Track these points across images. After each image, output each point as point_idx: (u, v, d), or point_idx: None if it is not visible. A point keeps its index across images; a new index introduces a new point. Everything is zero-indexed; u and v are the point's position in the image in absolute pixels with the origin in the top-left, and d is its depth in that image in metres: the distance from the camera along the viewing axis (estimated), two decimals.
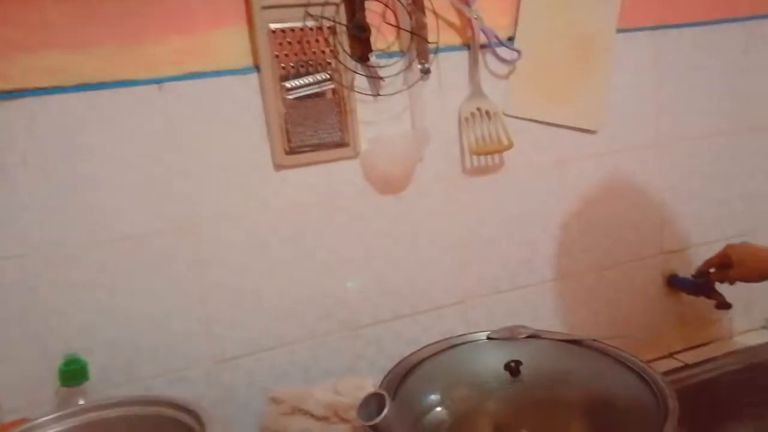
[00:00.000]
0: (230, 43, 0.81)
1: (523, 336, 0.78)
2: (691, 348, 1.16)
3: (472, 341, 0.79)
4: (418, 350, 0.76)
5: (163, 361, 0.82)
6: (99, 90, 0.76)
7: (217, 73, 0.81)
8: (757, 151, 1.14)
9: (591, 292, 1.07)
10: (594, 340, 0.76)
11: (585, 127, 1.01)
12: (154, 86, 0.78)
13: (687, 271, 1.12)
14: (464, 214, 0.96)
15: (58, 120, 0.75)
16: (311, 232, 0.88)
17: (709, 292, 1.05)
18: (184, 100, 0.80)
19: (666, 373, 1.05)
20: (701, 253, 1.12)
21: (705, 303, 1.07)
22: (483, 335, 0.80)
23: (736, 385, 1.06)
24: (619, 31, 1.00)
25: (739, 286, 1.03)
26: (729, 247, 0.99)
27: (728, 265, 0.98)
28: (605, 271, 1.07)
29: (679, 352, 1.15)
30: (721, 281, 1.01)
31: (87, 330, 0.79)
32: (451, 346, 0.78)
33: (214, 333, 0.85)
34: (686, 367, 1.10)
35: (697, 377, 1.07)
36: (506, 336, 0.78)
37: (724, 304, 1.03)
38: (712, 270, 1.03)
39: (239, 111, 0.83)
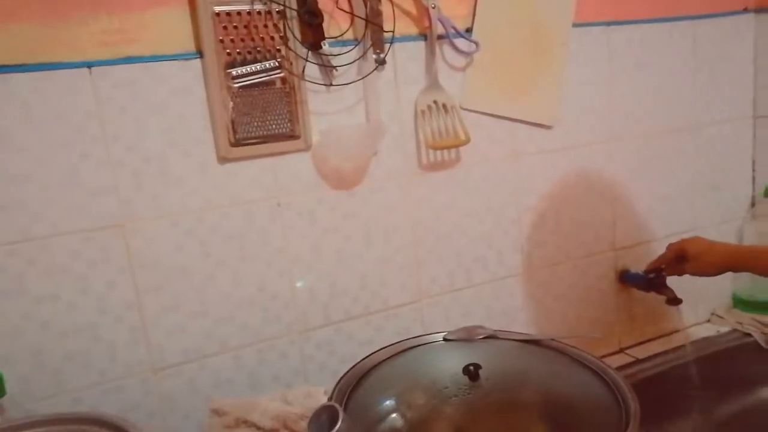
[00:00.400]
0: (169, 26, 0.75)
1: (481, 337, 0.75)
2: (641, 343, 1.17)
3: (427, 343, 0.76)
4: (371, 354, 0.73)
5: (94, 370, 0.76)
6: (18, 72, 0.69)
7: (155, 58, 0.75)
8: (702, 147, 1.16)
9: (544, 287, 1.06)
10: (552, 339, 0.75)
11: (540, 122, 1.00)
12: (83, 70, 0.71)
13: (638, 267, 1.12)
14: (419, 210, 0.93)
15: None
16: (256, 230, 0.83)
17: (660, 287, 1.05)
18: (116, 86, 0.73)
19: (618, 369, 1.07)
20: (651, 249, 1.14)
21: (655, 298, 1.08)
22: (439, 336, 0.77)
23: (685, 378, 1.07)
24: (575, 25, 0.99)
25: (686, 281, 1.04)
26: (684, 241, 0.99)
27: (684, 259, 0.99)
28: (557, 267, 1.06)
29: (630, 347, 1.16)
30: (678, 275, 1.02)
31: (6, 338, 0.71)
32: (405, 348, 0.75)
33: (151, 340, 0.79)
34: (637, 362, 1.11)
35: (647, 371, 1.09)
36: (463, 337, 0.76)
37: (675, 300, 1.04)
38: (664, 266, 1.04)
39: (179, 99, 0.76)
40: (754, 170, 1.22)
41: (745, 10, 1.15)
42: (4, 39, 0.68)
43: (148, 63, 0.74)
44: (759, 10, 1.15)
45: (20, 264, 0.71)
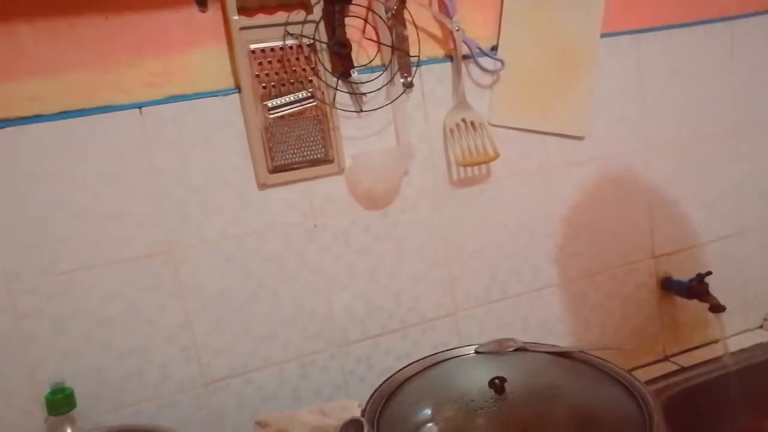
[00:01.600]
0: (209, 65, 0.81)
1: (511, 349, 0.77)
2: (687, 351, 1.15)
3: (458, 356, 0.78)
4: (403, 368, 0.76)
5: (150, 386, 0.82)
6: (78, 117, 0.76)
7: (198, 95, 0.81)
8: (745, 149, 1.14)
9: (581, 298, 1.06)
10: (581, 351, 0.76)
11: (571, 133, 1.01)
12: (134, 111, 0.78)
13: (680, 274, 1.11)
14: (451, 227, 0.96)
15: (36, 149, 0.75)
16: (294, 252, 0.87)
17: (703, 294, 1.04)
18: (164, 123, 0.80)
19: (662, 377, 1.06)
20: (693, 255, 1.12)
21: (700, 305, 1.07)
22: (471, 349, 0.80)
23: (732, 387, 1.05)
24: (602, 35, 1.00)
25: (734, 286, 1.01)
26: None
27: None
28: (595, 276, 1.06)
29: (674, 355, 1.14)
30: None
31: (73, 358, 0.79)
32: (437, 362, 0.78)
33: (201, 358, 0.84)
34: (682, 370, 1.09)
35: (693, 380, 1.07)
36: (494, 350, 0.78)
37: (718, 307, 1.02)
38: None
39: (221, 132, 0.82)
40: None
41: None
42: (61, 87, 0.75)
43: (191, 100, 0.80)
44: None
45: (81, 290, 0.78)
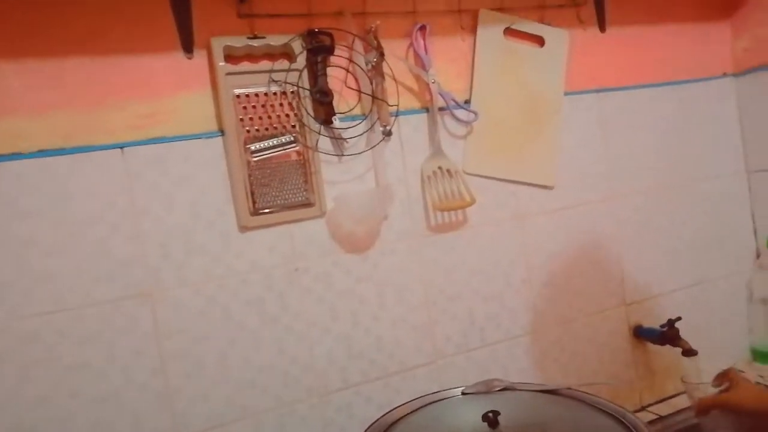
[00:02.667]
0: (194, 108, 0.82)
1: (498, 388, 0.76)
2: (663, 399, 1.16)
3: (447, 398, 0.77)
4: (391, 410, 0.74)
5: None
6: (57, 156, 0.75)
7: (181, 137, 0.81)
8: (699, 202, 1.20)
9: (558, 345, 1.07)
10: (569, 388, 0.76)
11: (540, 182, 1.05)
12: (115, 151, 0.78)
13: (649, 322, 1.13)
14: (430, 271, 0.97)
15: (14, 186, 0.73)
16: (275, 295, 0.86)
17: (675, 339, 1.06)
18: (146, 164, 0.80)
19: None
20: (660, 303, 1.15)
21: (673, 353, 1.08)
22: (457, 391, 0.78)
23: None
24: (566, 93, 1.07)
25: (702, 334, 1.04)
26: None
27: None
28: (571, 324, 1.08)
29: (651, 404, 1.15)
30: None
31: (37, 406, 0.73)
32: (425, 404, 0.76)
33: (175, 406, 0.80)
34: (660, 419, 1.10)
35: (672, 428, 1.07)
36: (481, 390, 0.77)
37: (690, 351, 1.04)
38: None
39: (204, 173, 0.83)
40: (754, 222, 1.25)
41: (725, 75, 1.23)
42: (44, 126, 0.75)
43: (174, 142, 0.81)
44: (737, 75, 1.23)
45: (53, 333, 0.74)
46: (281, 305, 0.87)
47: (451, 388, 0.80)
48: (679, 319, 1.08)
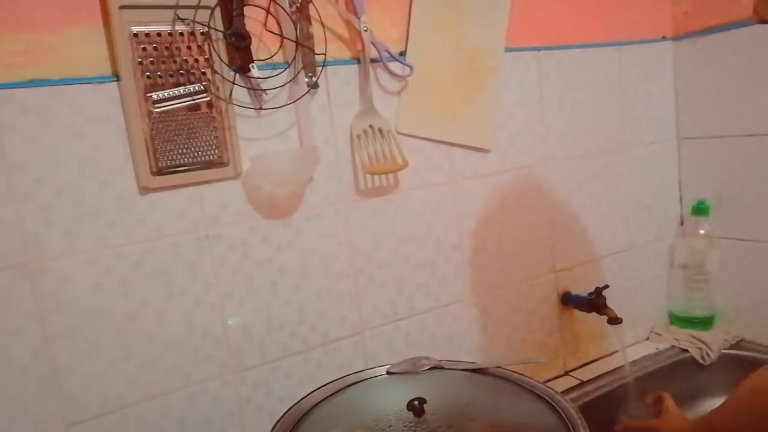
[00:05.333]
0: (82, 47, 0.70)
1: (426, 368, 0.72)
2: (585, 364, 1.17)
3: (370, 378, 0.72)
4: (310, 393, 0.68)
5: None
6: None
7: (65, 81, 0.69)
8: (632, 168, 1.19)
9: (488, 313, 1.04)
10: (498, 367, 0.72)
11: (477, 145, 0.99)
12: None
13: (578, 289, 1.13)
14: (358, 238, 0.90)
15: None
16: (183, 265, 0.77)
17: (601, 308, 1.06)
18: (21, 111, 0.67)
19: (564, 392, 1.06)
20: (589, 270, 1.15)
21: (597, 319, 1.08)
22: (382, 370, 0.73)
23: (628, 397, 1.08)
24: (507, 50, 1.00)
25: (624, 300, 1.04)
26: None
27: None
28: (501, 291, 1.05)
29: (574, 369, 1.16)
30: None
31: None
32: (347, 385, 0.71)
33: (64, 390, 0.71)
34: (582, 384, 1.11)
35: (592, 394, 1.08)
36: (408, 369, 0.72)
37: (615, 320, 1.04)
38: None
39: (95, 126, 0.71)
40: (680, 189, 1.26)
41: (664, 38, 1.20)
42: None
43: (57, 86, 0.68)
44: (675, 38, 1.21)
45: None
46: (190, 276, 0.78)
47: (375, 367, 0.75)
48: (606, 287, 1.08)
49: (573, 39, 1.09)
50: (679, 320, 1.26)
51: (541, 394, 0.65)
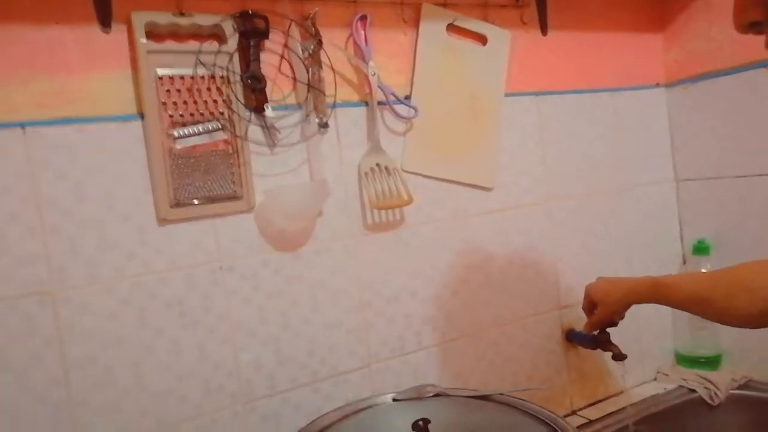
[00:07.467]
0: (110, 88, 0.75)
1: (430, 395, 0.73)
2: (593, 404, 1.16)
3: (377, 404, 0.73)
4: (319, 417, 0.69)
5: None
6: None
7: (94, 119, 0.74)
8: (631, 208, 1.22)
9: (494, 348, 1.05)
10: (501, 394, 0.73)
11: (479, 184, 1.03)
12: (16, 129, 0.69)
13: (582, 325, 1.13)
14: (366, 272, 0.93)
15: None
16: (197, 296, 0.80)
17: (605, 344, 1.07)
18: (52, 147, 0.72)
19: None
20: None
21: (603, 356, 1.09)
22: (388, 397, 0.75)
23: None
24: (507, 95, 1.05)
25: (629, 340, 1.05)
26: (588, 288, 1.00)
27: (594, 306, 0.99)
28: (506, 327, 1.06)
29: (582, 408, 1.15)
30: (609, 324, 1.03)
31: None
32: (354, 411, 0.72)
33: (79, 419, 0.72)
34: (590, 423, 1.10)
35: None
36: (413, 396, 0.73)
37: (620, 356, 1.04)
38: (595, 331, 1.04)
39: (119, 161, 0.75)
40: (681, 229, 1.29)
41: (657, 85, 1.26)
42: None
43: (86, 124, 0.73)
44: (668, 85, 1.26)
45: None
46: (204, 307, 0.80)
47: (382, 394, 0.76)
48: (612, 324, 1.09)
49: (570, 85, 1.14)
50: (686, 360, 1.26)
51: (543, 419, 0.66)
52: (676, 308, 0.86)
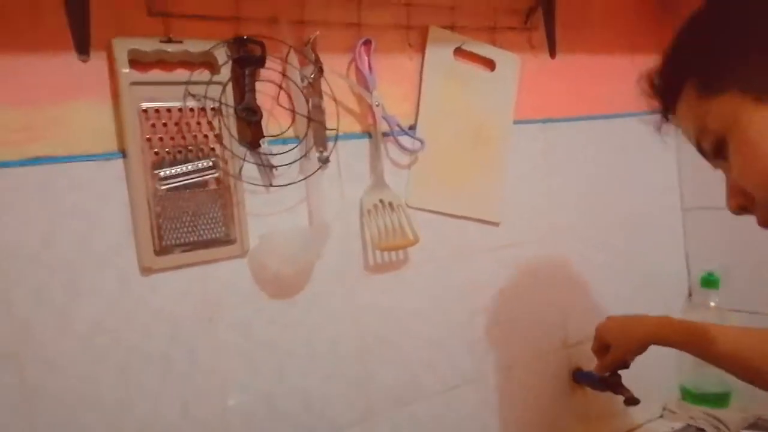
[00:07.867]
0: (87, 123, 0.67)
1: None
2: None
3: None
4: None
5: None
6: None
7: (68, 158, 0.65)
8: (633, 240, 1.17)
9: (498, 393, 0.99)
10: None
11: (487, 218, 0.97)
12: None
13: (589, 365, 1.08)
14: (366, 317, 0.86)
15: None
16: (183, 351, 0.72)
17: (617, 387, 1.01)
18: (19, 190, 0.63)
19: None
20: None
21: (607, 396, 1.03)
22: None
23: None
24: (514, 122, 0.99)
25: (633, 378, 1.00)
26: (598, 328, 0.95)
27: (607, 348, 0.94)
28: (511, 370, 1.00)
29: None
30: (611, 369, 0.97)
31: None
32: None
33: None
34: None
35: None
36: None
37: (632, 400, 0.99)
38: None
39: (96, 203, 0.67)
40: (687, 260, 1.24)
41: None
42: None
43: (59, 164, 0.65)
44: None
45: None
46: (190, 361, 0.73)
47: None
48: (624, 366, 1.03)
49: (576, 111, 1.09)
50: (693, 396, 1.21)
51: None
52: (707, 361, 0.80)
